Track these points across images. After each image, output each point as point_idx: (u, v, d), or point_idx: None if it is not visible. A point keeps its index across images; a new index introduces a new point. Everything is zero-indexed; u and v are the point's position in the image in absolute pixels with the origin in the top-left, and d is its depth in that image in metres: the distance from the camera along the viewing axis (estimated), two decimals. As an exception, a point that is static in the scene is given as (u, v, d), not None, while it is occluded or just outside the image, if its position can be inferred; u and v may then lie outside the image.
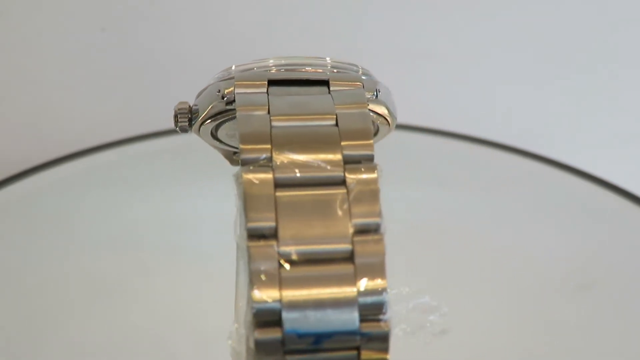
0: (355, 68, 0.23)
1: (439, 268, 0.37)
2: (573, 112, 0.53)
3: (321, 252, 0.18)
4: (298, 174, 0.18)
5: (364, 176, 0.18)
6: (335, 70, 0.22)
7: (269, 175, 0.18)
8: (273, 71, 0.22)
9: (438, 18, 0.52)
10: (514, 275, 0.37)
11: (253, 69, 0.22)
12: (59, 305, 0.35)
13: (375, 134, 0.26)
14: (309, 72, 0.22)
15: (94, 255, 0.38)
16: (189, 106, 0.22)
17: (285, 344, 0.18)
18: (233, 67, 0.23)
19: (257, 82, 0.21)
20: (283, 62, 0.22)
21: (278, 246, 0.18)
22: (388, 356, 0.18)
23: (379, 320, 0.18)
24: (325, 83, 0.21)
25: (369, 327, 0.18)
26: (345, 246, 0.18)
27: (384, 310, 0.18)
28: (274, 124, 0.19)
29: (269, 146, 0.19)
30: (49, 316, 0.34)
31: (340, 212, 0.18)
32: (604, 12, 0.51)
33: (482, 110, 0.53)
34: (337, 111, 0.20)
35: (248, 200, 0.18)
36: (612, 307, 0.36)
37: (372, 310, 0.17)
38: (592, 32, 0.51)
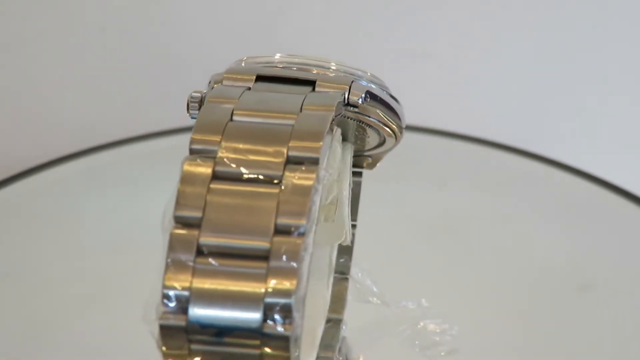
0: (359, 73, 0.23)
1: (438, 268, 0.37)
2: (573, 112, 0.53)
3: (239, 247, 0.18)
4: (237, 169, 0.18)
5: (300, 178, 0.18)
6: (332, 74, 0.22)
7: (208, 168, 0.18)
8: (265, 67, 0.22)
9: (438, 18, 0.52)
10: (514, 275, 0.37)
11: (258, 61, 0.23)
12: (59, 304, 0.35)
13: (382, 144, 0.26)
14: (298, 72, 0.22)
15: (94, 255, 0.38)
16: (201, 95, 0.22)
17: (188, 333, 0.18)
18: (245, 58, 0.23)
19: (245, 77, 0.21)
20: (287, 59, 0.23)
21: (199, 236, 0.18)
22: (289, 356, 0.18)
23: (282, 322, 0.17)
24: (312, 83, 0.21)
25: (271, 328, 0.17)
26: (264, 244, 0.18)
27: (288, 313, 0.17)
28: (235, 118, 0.19)
29: (218, 139, 0.19)
30: (49, 316, 0.34)
31: (266, 211, 0.18)
32: (605, 13, 0.51)
33: (482, 110, 0.53)
34: (303, 111, 0.20)
35: (181, 188, 0.18)
36: (613, 307, 0.36)
37: (276, 312, 0.17)
38: (593, 32, 0.51)
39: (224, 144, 0.19)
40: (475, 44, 0.52)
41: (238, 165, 0.18)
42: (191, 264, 0.18)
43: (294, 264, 0.17)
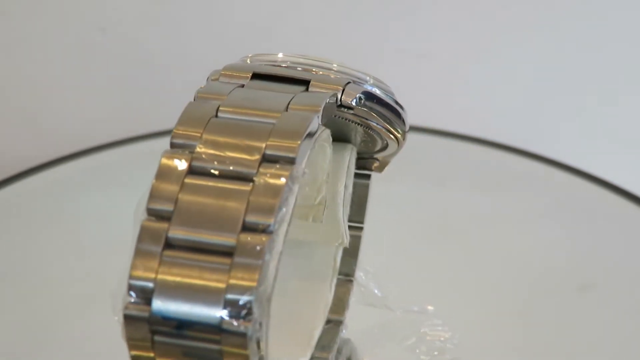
0: (362, 76, 0.23)
1: (439, 270, 0.37)
2: (573, 112, 0.53)
3: (206, 242, 0.18)
4: (212, 165, 0.19)
5: (273, 177, 0.18)
6: (333, 75, 0.22)
7: (185, 162, 0.19)
8: (263, 65, 0.22)
9: (438, 18, 0.52)
10: (515, 277, 0.37)
11: (262, 59, 0.23)
12: (59, 304, 0.35)
13: (385, 147, 0.26)
14: (293, 71, 0.22)
15: (94, 255, 0.38)
16: None
17: (151, 324, 0.18)
18: (250, 56, 0.23)
19: (241, 74, 0.22)
20: (291, 59, 0.23)
21: (168, 230, 0.18)
22: (248, 354, 0.18)
23: (242, 319, 0.17)
24: (306, 83, 0.22)
25: (230, 325, 0.17)
26: (230, 241, 0.18)
27: (248, 310, 0.17)
28: (219, 114, 0.20)
29: (199, 134, 0.19)
30: (49, 316, 0.34)
31: (236, 208, 0.18)
32: (605, 13, 0.51)
33: (482, 110, 0.53)
34: (289, 110, 0.20)
35: (156, 181, 0.19)
36: (613, 307, 0.36)
37: (237, 308, 0.17)
38: (593, 32, 0.51)
39: (203, 139, 0.19)
40: (475, 44, 0.52)
41: (214, 161, 0.19)
42: (158, 256, 0.18)
43: (258, 262, 0.17)
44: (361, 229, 0.29)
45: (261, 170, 0.18)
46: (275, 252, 0.18)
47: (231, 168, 0.19)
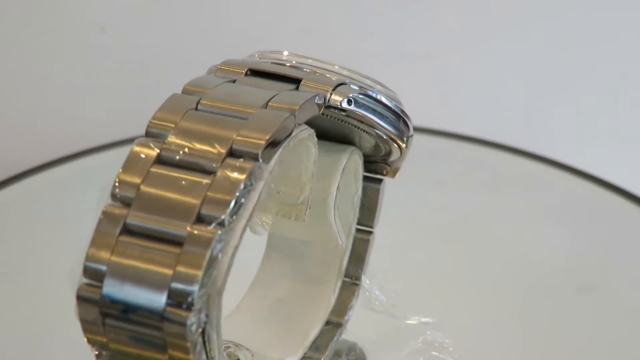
0: (363, 79, 0.23)
1: (440, 273, 0.37)
2: (573, 112, 0.53)
3: (160, 230, 0.18)
4: (179, 156, 0.19)
5: (232, 172, 0.18)
6: (327, 75, 0.23)
7: (153, 151, 0.19)
8: (260, 62, 0.23)
9: (438, 18, 0.52)
10: (517, 279, 0.37)
11: (267, 57, 0.23)
12: (59, 304, 0.35)
13: (389, 153, 0.26)
14: (286, 69, 0.22)
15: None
16: None
17: (101, 307, 0.18)
18: (258, 52, 0.24)
19: (237, 69, 0.22)
20: (296, 58, 0.23)
21: (127, 216, 0.18)
22: (187, 344, 0.18)
23: (183, 309, 0.18)
24: (298, 82, 0.22)
25: (171, 313, 0.18)
26: (182, 231, 0.18)
27: (189, 300, 0.18)
28: (199, 106, 0.20)
29: (173, 125, 0.20)
30: (49, 315, 0.34)
31: (193, 199, 0.18)
32: (605, 12, 0.51)
33: (482, 110, 0.53)
34: (268, 107, 0.20)
35: (123, 168, 0.19)
36: (613, 307, 0.36)
37: (179, 297, 0.18)
38: (593, 32, 0.51)
39: (176, 130, 0.19)
40: (475, 44, 0.52)
41: (182, 152, 0.19)
42: (114, 240, 0.18)
43: (205, 252, 0.18)
44: (370, 232, 0.29)
45: (224, 164, 0.19)
46: (230, 246, 0.18)
47: (196, 160, 0.19)
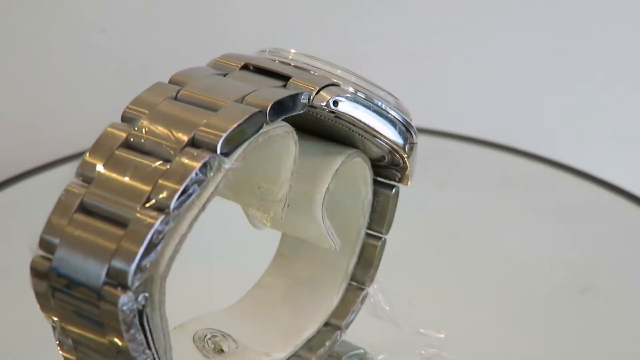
0: (366, 84, 0.24)
1: (441, 277, 0.37)
2: (573, 112, 0.53)
3: (111, 211, 0.19)
4: (142, 141, 0.19)
5: (187, 161, 0.19)
6: (335, 80, 0.23)
7: (122, 135, 0.20)
8: (257, 58, 0.23)
9: (438, 19, 0.52)
10: (515, 279, 0.37)
11: (275, 54, 0.24)
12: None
13: (393, 161, 0.26)
14: (281, 66, 0.23)
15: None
16: None
17: (50, 280, 0.19)
18: (267, 49, 0.24)
19: (233, 63, 0.23)
20: (300, 58, 0.24)
21: (86, 193, 0.19)
22: (120, 325, 0.18)
23: (118, 288, 0.18)
24: (287, 79, 0.22)
25: (107, 291, 0.18)
26: (130, 212, 0.18)
27: (125, 280, 0.18)
28: (178, 96, 0.21)
29: (147, 111, 0.20)
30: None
31: (145, 184, 0.19)
32: (605, 13, 0.51)
33: (482, 110, 0.53)
34: (244, 102, 0.20)
35: (91, 148, 0.20)
36: (614, 308, 0.36)
37: (116, 276, 0.18)
38: (593, 32, 0.51)
39: (148, 117, 0.20)
40: (475, 44, 0.52)
41: (146, 138, 0.19)
42: (69, 216, 0.19)
43: (145, 235, 0.18)
44: (379, 238, 0.28)
45: (183, 152, 0.19)
46: (176, 233, 0.19)
47: (157, 146, 0.19)
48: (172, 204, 0.18)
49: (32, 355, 0.33)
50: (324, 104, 0.22)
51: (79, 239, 0.19)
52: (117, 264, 0.18)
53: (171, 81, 0.21)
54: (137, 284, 0.18)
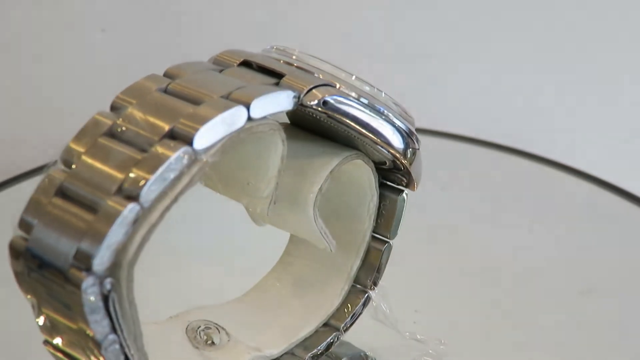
0: (370, 90, 0.24)
1: (438, 271, 0.37)
2: (573, 112, 0.53)
3: (85, 197, 0.19)
4: (125, 131, 0.20)
5: (162, 151, 0.19)
6: (336, 83, 0.23)
7: (108, 122, 0.20)
8: (255, 55, 0.23)
9: (438, 18, 0.52)
10: (515, 280, 0.37)
11: (281, 52, 0.24)
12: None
13: (385, 162, 0.26)
14: (277, 63, 0.23)
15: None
16: None
17: (25, 259, 0.19)
18: (275, 47, 0.25)
19: (232, 59, 0.23)
20: (303, 57, 0.24)
21: (65, 178, 0.20)
22: (83, 308, 0.19)
23: (82, 271, 0.19)
24: (281, 76, 0.22)
25: (72, 274, 0.19)
26: (102, 199, 0.19)
27: (89, 263, 0.18)
28: (168, 88, 0.21)
29: (134, 101, 0.21)
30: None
31: (120, 172, 0.19)
32: (604, 12, 0.51)
33: (482, 110, 0.53)
34: (229, 97, 0.20)
35: (76, 135, 0.20)
36: (614, 309, 0.36)
37: (82, 260, 0.19)
38: (593, 32, 0.51)
39: (134, 107, 0.20)
40: (475, 45, 0.52)
41: (128, 128, 0.20)
42: (48, 200, 0.19)
43: (111, 223, 0.18)
44: (385, 242, 0.28)
45: (160, 143, 0.19)
46: (146, 222, 0.19)
47: (137, 137, 0.20)
48: (142, 193, 0.19)
49: (31, 355, 0.33)
50: (314, 103, 0.22)
51: (53, 221, 0.19)
52: (84, 247, 0.18)
53: (165, 74, 0.22)
54: (102, 268, 0.18)
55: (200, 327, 0.27)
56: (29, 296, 0.20)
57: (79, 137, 0.20)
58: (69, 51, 0.52)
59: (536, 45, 0.52)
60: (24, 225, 0.20)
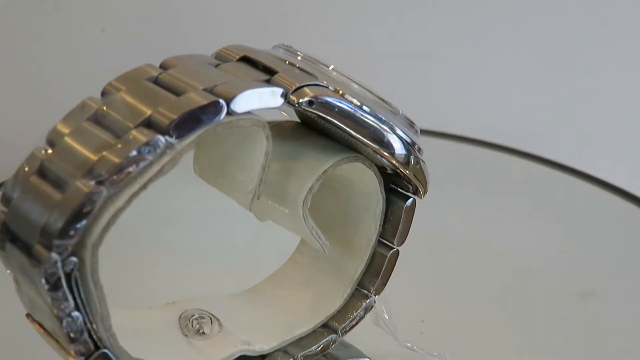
0: (372, 96, 0.24)
1: (438, 272, 0.37)
2: (573, 112, 0.53)
3: (59, 177, 0.20)
4: (106, 117, 0.21)
5: (134, 139, 0.20)
6: (337, 86, 0.23)
7: (95, 106, 0.21)
8: (254, 52, 0.23)
9: (438, 19, 0.52)
10: (515, 280, 0.37)
11: (288, 51, 0.24)
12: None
13: (386, 169, 0.26)
14: (272, 59, 0.23)
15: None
16: None
17: (2, 232, 0.20)
18: (284, 45, 0.25)
19: (233, 54, 0.23)
20: (310, 59, 0.24)
21: (46, 157, 0.20)
22: (45, 285, 0.19)
23: (45, 248, 0.19)
24: (273, 73, 0.22)
25: (37, 250, 0.19)
26: (72, 179, 0.19)
27: (51, 241, 0.19)
28: (158, 78, 0.22)
29: (123, 88, 0.21)
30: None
31: (93, 155, 0.20)
32: (603, 13, 0.51)
33: (482, 110, 0.53)
34: (212, 90, 0.21)
35: (64, 117, 0.21)
36: (614, 310, 0.36)
37: (45, 237, 0.19)
38: (593, 32, 0.51)
39: (120, 94, 0.21)
40: (475, 45, 0.52)
41: (109, 114, 0.21)
42: (28, 177, 0.20)
43: (75, 203, 0.19)
44: (390, 248, 0.28)
45: (136, 130, 0.20)
46: (112, 206, 0.19)
47: (115, 123, 0.20)
48: (109, 176, 0.19)
49: (32, 355, 0.33)
50: (301, 101, 0.22)
51: (27, 198, 0.20)
52: (48, 225, 0.19)
53: (161, 64, 0.22)
54: (63, 246, 0.19)
55: (194, 315, 0.27)
56: (8, 271, 0.21)
57: (65, 119, 0.21)
58: (69, 51, 0.52)
59: (537, 45, 0.52)
60: (5, 199, 0.20)
